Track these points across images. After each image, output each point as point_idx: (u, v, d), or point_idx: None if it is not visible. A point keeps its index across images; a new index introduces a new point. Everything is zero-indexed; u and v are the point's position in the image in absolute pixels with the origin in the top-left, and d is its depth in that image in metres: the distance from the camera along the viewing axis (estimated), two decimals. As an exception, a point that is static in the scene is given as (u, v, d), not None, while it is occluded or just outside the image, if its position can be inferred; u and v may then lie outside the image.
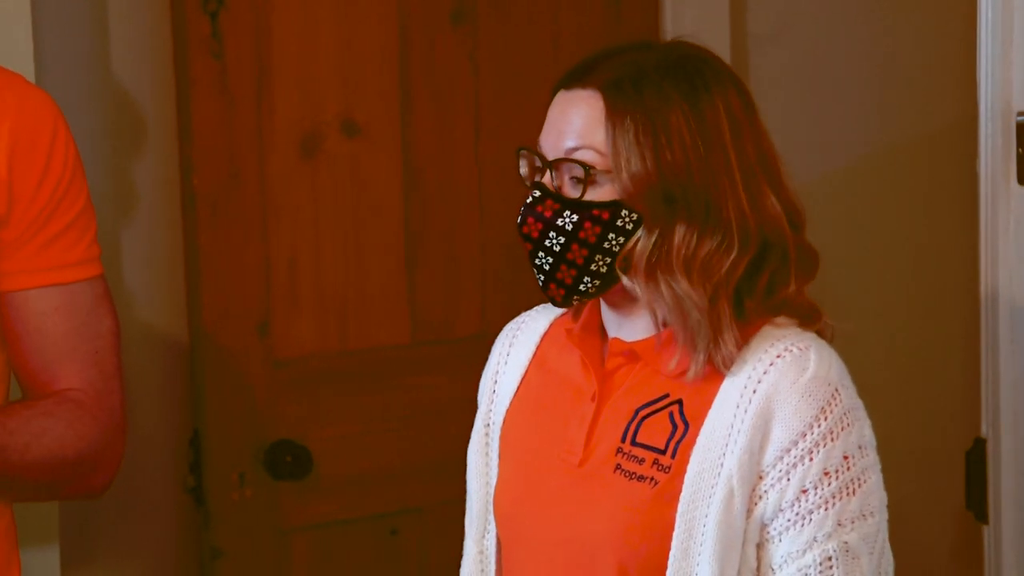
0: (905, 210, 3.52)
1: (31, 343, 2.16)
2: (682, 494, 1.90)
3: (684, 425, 1.93)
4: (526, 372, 2.10)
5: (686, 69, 1.94)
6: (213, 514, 2.89)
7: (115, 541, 2.88)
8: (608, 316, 2.02)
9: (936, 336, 3.55)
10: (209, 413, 2.88)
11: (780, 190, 1.96)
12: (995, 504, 2.57)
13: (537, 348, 2.11)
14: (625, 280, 1.94)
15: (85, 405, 2.17)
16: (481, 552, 2.13)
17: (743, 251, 1.91)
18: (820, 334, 1.98)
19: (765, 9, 3.35)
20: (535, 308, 2.17)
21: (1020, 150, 2.49)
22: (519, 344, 2.13)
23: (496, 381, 2.14)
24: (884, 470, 1.95)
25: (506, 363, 2.13)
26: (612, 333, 2.01)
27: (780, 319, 1.96)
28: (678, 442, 1.92)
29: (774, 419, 1.89)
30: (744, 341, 1.92)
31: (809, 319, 1.98)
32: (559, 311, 2.11)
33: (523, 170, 2.00)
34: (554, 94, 1.99)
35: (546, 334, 2.12)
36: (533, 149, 1.97)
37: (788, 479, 1.88)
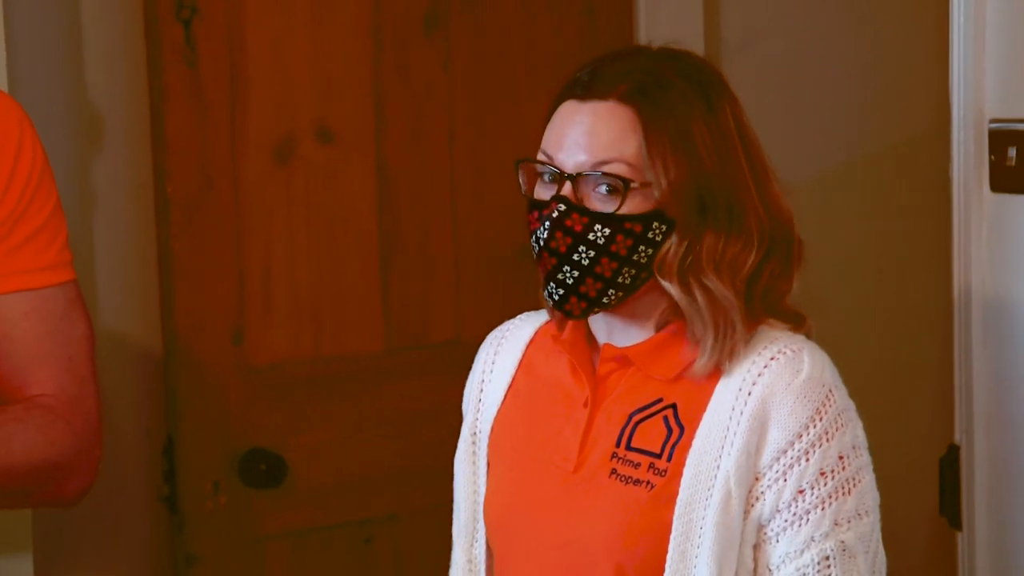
0: (878, 217, 3.53)
1: (1, 349, 2.14)
2: (679, 497, 1.90)
3: (679, 428, 1.93)
4: (513, 379, 2.10)
5: (694, 75, 1.94)
6: (187, 522, 2.87)
7: (89, 549, 2.87)
8: (599, 323, 2.02)
9: (909, 342, 3.55)
10: (183, 421, 2.86)
11: (781, 189, 1.98)
12: (969, 511, 2.57)
13: (523, 355, 2.11)
14: (665, 284, 1.93)
15: (57, 411, 2.14)
16: (470, 561, 2.13)
17: (759, 250, 1.94)
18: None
19: (738, 18, 3.35)
20: (518, 317, 2.17)
21: (992, 157, 2.50)
22: (504, 352, 2.13)
23: (482, 390, 2.13)
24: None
25: (492, 371, 2.13)
26: (603, 339, 2.01)
27: (772, 321, 1.98)
28: (673, 445, 1.93)
29: (770, 421, 1.90)
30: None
31: (797, 321, 2.00)
32: (543, 319, 2.11)
33: (524, 185, 1.98)
34: (556, 104, 1.96)
35: (532, 341, 2.11)
36: (543, 162, 1.95)
37: (785, 480, 1.90)
